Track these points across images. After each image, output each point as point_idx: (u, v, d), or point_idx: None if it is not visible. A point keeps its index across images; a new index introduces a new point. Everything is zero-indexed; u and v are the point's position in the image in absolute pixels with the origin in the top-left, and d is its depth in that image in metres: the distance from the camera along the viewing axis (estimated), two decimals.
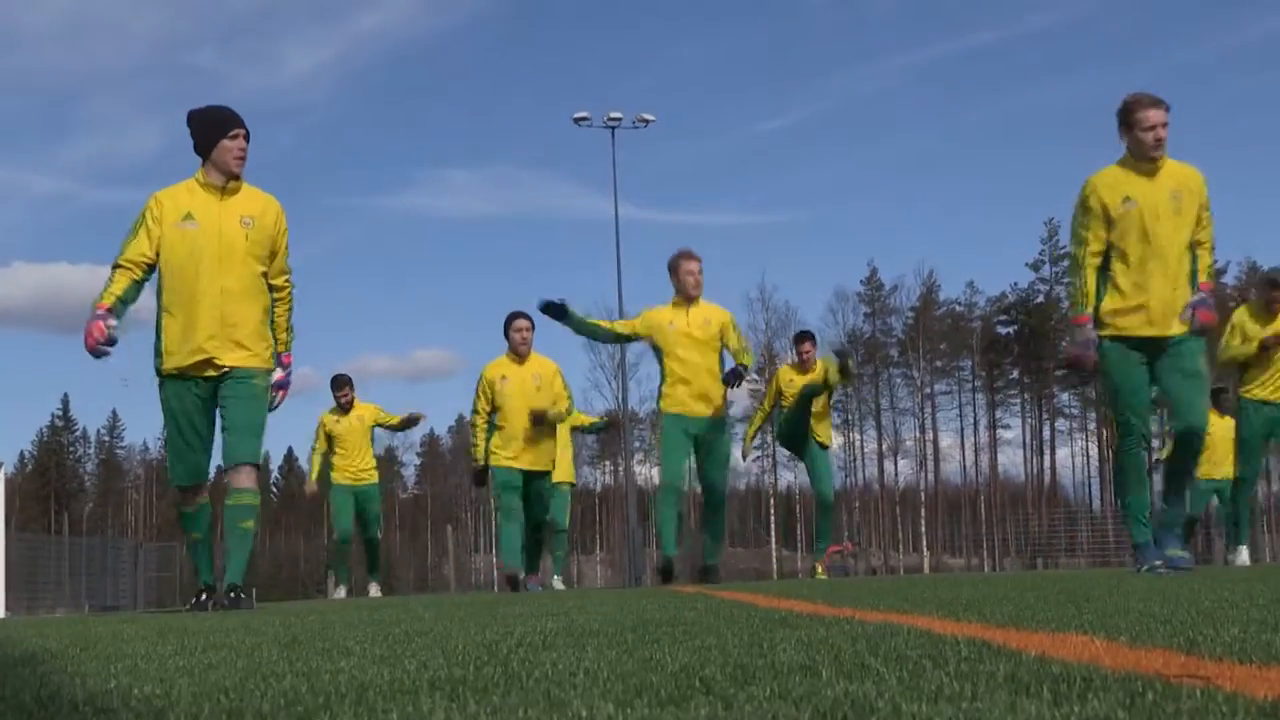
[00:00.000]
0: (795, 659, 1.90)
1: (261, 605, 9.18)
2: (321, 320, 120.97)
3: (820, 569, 12.38)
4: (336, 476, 12.89)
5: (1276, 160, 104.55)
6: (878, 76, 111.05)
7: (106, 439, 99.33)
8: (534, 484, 10.04)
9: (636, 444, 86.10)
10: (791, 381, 11.75)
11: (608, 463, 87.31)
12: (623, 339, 9.99)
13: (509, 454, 9.93)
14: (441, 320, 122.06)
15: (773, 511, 73.86)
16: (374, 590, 13.44)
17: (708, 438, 9.41)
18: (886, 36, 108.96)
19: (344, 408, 12.91)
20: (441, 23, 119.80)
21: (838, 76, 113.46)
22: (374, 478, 13.20)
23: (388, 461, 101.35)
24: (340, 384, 12.91)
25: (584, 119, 38.85)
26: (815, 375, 11.42)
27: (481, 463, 10.12)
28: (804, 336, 12.37)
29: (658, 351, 9.44)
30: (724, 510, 9.96)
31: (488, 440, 10.04)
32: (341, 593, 13.83)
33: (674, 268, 9.47)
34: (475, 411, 10.17)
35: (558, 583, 13.01)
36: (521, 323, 10.15)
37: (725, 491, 9.87)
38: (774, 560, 71.00)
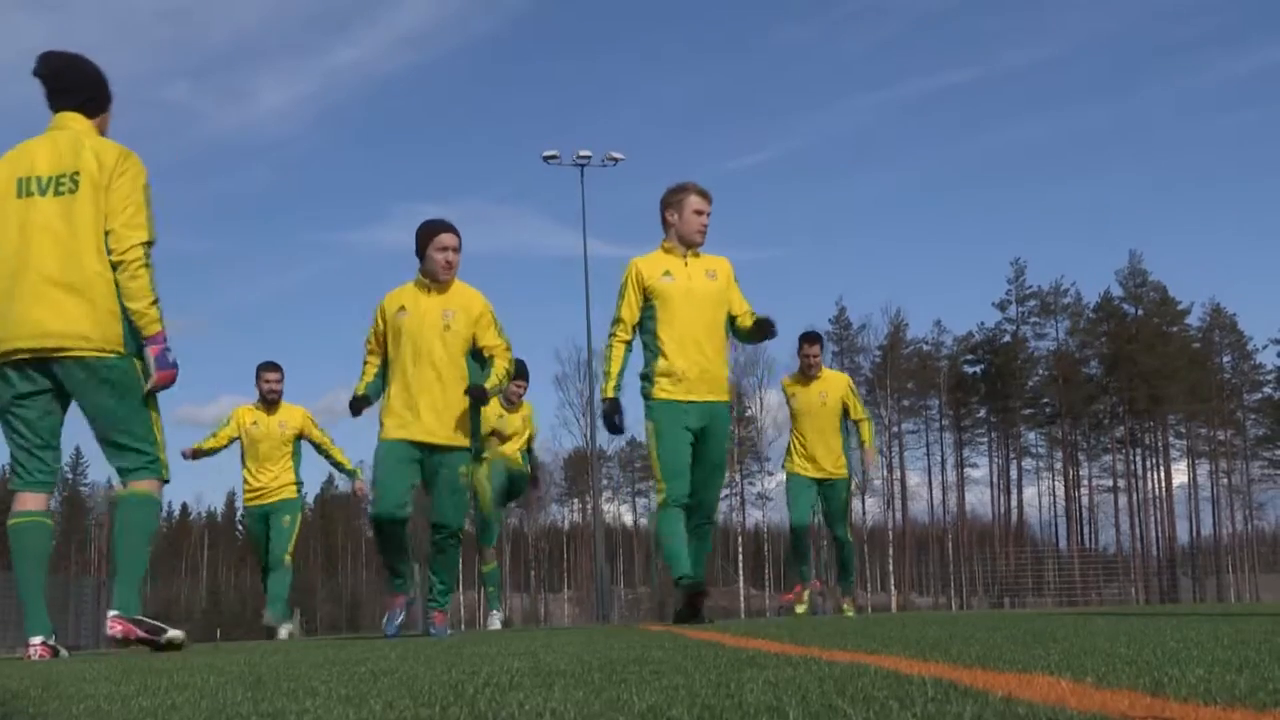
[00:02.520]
0: (762, 700, 1.90)
1: (225, 644, 9.08)
2: (295, 355, 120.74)
3: (847, 606, 11.53)
4: (249, 497, 10.62)
5: (1242, 200, 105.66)
6: (846, 116, 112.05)
7: (69, 476, 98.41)
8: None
9: (605, 481, 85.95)
10: (795, 395, 10.53)
11: (575, 500, 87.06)
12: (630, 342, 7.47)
13: None
14: None
15: (740, 550, 73.74)
16: (284, 631, 10.76)
17: (712, 429, 7.29)
18: (856, 76, 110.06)
19: (269, 402, 10.60)
20: (415, 60, 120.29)
21: (807, 116, 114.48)
22: (293, 494, 10.70)
23: (355, 497, 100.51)
24: (272, 368, 10.67)
25: (553, 157, 39.00)
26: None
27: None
28: (812, 338, 10.60)
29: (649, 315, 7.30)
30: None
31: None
32: (286, 631, 10.75)
33: (676, 204, 7.28)
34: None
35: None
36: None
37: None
38: (741, 599, 70.83)
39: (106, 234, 5.17)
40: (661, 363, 7.21)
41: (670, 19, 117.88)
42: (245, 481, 10.67)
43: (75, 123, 5.35)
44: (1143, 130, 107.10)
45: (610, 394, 7.28)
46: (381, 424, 7.05)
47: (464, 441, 7.12)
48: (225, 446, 10.72)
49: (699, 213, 7.26)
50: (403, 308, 7.10)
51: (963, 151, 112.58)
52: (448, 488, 7.05)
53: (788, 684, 2.18)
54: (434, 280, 7.13)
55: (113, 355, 5.21)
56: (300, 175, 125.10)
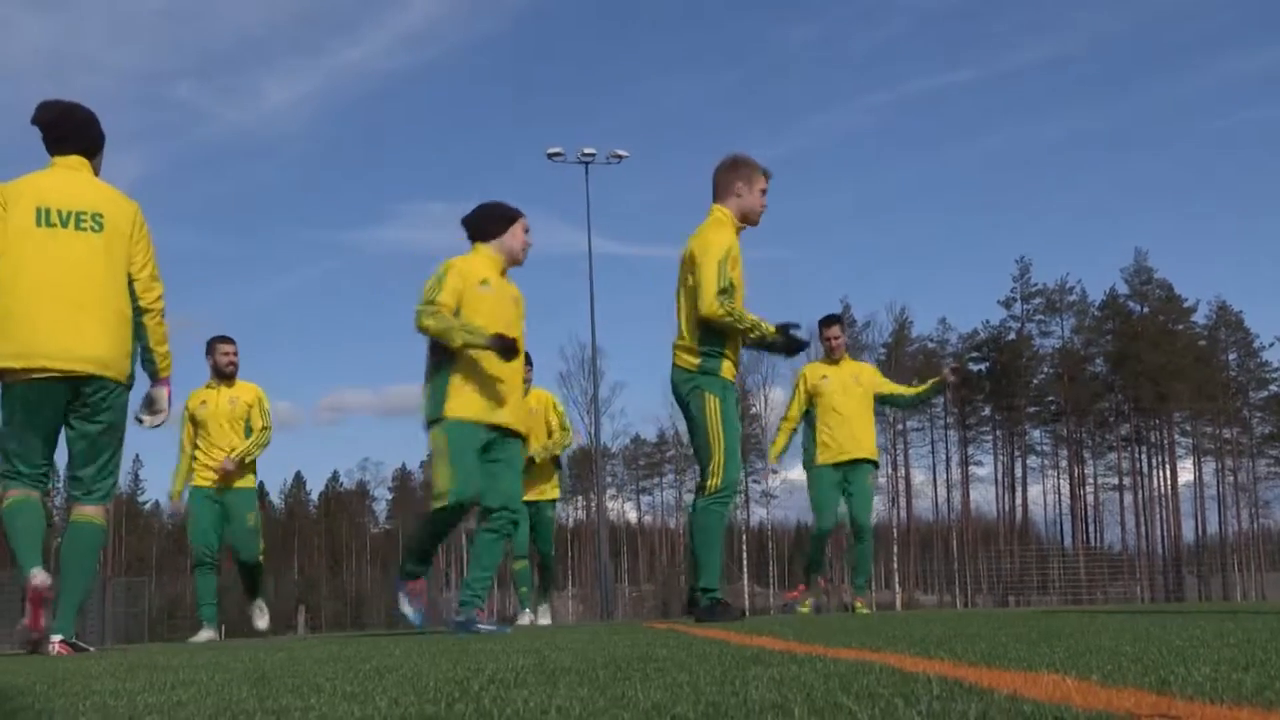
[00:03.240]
0: (767, 697, 1.90)
1: (230, 641, 9.09)
2: (297, 353, 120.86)
3: (861, 604, 10.66)
4: (200, 476, 9.67)
5: (1248, 198, 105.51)
6: (853, 115, 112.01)
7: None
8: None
9: (609, 479, 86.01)
10: (825, 378, 10.12)
11: (580, 498, 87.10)
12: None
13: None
14: (416, 356, 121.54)
15: (744, 547, 73.74)
16: (261, 621, 10.38)
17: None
18: (864, 75, 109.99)
19: (225, 376, 9.73)
20: (419, 58, 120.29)
21: (813, 114, 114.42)
22: (251, 483, 9.96)
23: (359, 494, 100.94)
24: (225, 340, 9.87)
25: (557, 154, 38.98)
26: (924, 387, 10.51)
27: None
28: (831, 320, 10.41)
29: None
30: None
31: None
32: (206, 635, 9.81)
33: (749, 178, 7.06)
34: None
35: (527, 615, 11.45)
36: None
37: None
38: (746, 596, 70.83)
39: (131, 280, 5.66)
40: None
41: (676, 17, 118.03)
42: (196, 459, 9.69)
43: (80, 166, 5.69)
44: (1149, 128, 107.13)
45: (769, 327, 6.75)
46: (451, 402, 6.51)
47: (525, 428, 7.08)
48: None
49: (764, 192, 7.10)
50: (486, 281, 6.69)
51: (968, 150, 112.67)
52: (513, 470, 6.73)
53: (792, 681, 2.18)
54: (514, 262, 6.93)
55: (121, 387, 5.67)
56: (304, 174, 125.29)
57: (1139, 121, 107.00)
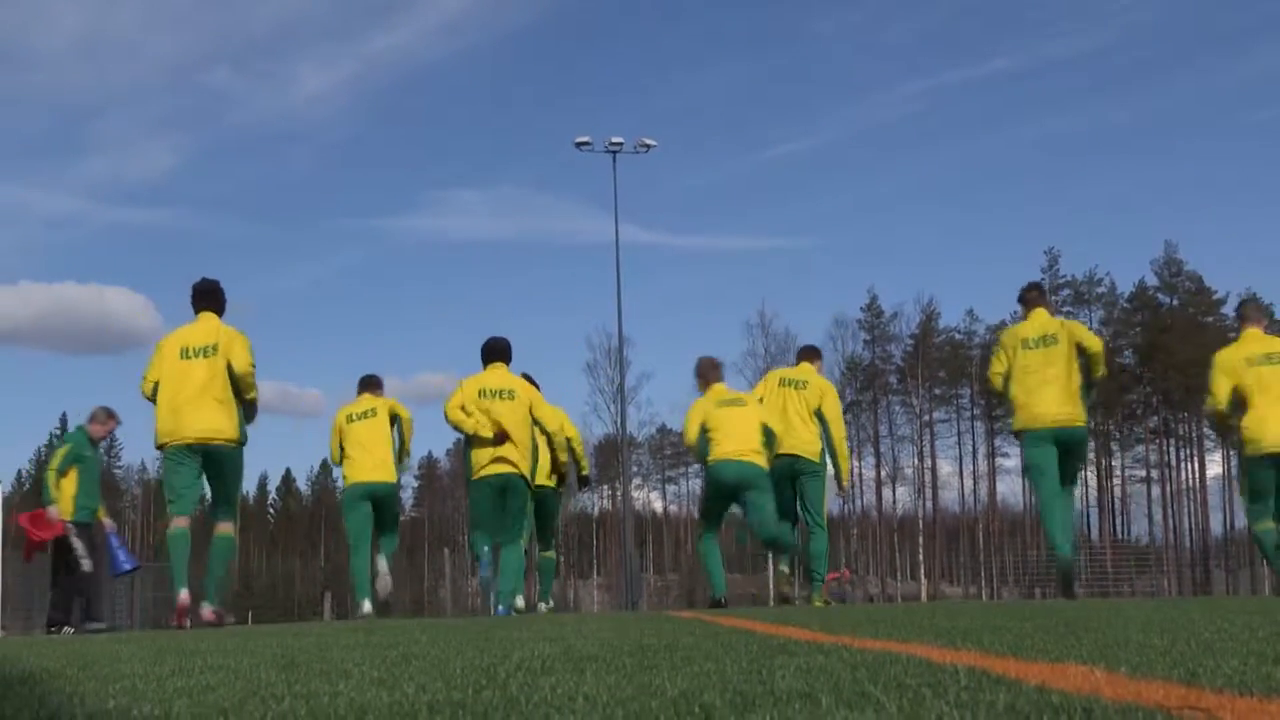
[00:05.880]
0: (795, 686, 1.90)
1: (258, 626, 9.19)
2: (329, 341, 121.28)
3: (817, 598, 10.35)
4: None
5: (1278, 192, 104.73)
6: (882, 106, 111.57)
7: (105, 459, 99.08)
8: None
9: (635, 468, 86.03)
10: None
11: (605, 487, 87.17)
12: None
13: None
14: (444, 343, 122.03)
15: None
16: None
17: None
18: (892, 66, 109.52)
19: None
20: (451, 46, 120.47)
21: (842, 105, 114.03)
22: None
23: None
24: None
25: (585, 143, 38.93)
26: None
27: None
28: (810, 352, 10.57)
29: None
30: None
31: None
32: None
33: None
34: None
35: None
36: None
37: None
38: (770, 586, 70.81)
39: (236, 377, 8.47)
40: None
41: (709, 6, 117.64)
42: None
43: (212, 319, 8.65)
44: (1180, 119, 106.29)
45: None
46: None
47: None
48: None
49: None
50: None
51: (998, 140, 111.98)
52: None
53: (819, 671, 2.18)
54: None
55: (237, 446, 8.55)
56: (336, 161, 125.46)
57: (1170, 113, 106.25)
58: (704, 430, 9.74)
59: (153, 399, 8.55)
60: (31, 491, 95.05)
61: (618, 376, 53.26)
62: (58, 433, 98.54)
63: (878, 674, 2.07)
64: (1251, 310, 9.62)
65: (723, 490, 9.78)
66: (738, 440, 9.60)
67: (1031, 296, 9.71)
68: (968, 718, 1.47)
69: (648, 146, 39.34)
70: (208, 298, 8.77)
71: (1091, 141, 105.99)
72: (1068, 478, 9.23)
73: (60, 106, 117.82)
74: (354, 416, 10.30)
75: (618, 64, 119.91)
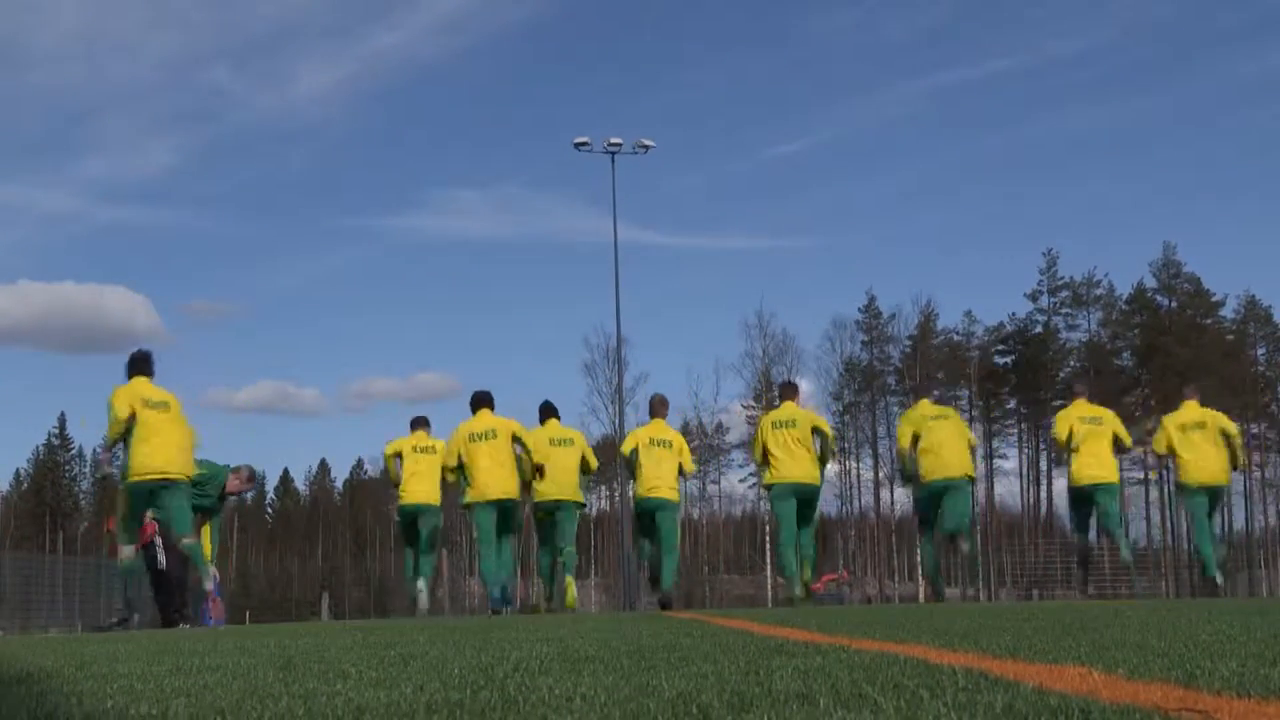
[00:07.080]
0: (792, 687, 1.90)
1: (255, 626, 9.16)
2: (326, 340, 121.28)
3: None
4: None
5: (1278, 194, 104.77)
6: (880, 105, 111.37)
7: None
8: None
9: None
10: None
11: (603, 488, 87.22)
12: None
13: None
14: (443, 344, 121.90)
15: (767, 538, 73.69)
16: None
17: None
18: (891, 66, 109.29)
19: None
20: (451, 45, 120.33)
21: (841, 105, 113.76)
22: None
23: (384, 482, 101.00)
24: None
25: (584, 144, 38.93)
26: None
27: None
28: (788, 389, 12.67)
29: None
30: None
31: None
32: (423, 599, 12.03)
33: None
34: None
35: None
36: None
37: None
38: (768, 587, 70.82)
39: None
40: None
41: (708, 6, 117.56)
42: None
43: (158, 391, 10.36)
44: (1180, 119, 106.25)
45: None
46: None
47: None
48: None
49: None
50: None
51: (997, 140, 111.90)
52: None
53: (817, 672, 2.18)
54: None
55: (185, 482, 10.27)
56: (335, 160, 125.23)
57: (1169, 113, 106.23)
58: (635, 456, 11.94)
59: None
60: (30, 491, 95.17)
61: (615, 377, 53.25)
62: (56, 432, 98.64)
63: (875, 675, 2.07)
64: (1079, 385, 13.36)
65: (643, 517, 11.99)
66: (655, 479, 11.78)
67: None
68: (965, 718, 1.47)
69: (646, 147, 39.36)
70: (145, 366, 10.45)
71: (1091, 142, 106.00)
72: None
73: (59, 106, 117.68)
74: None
75: (617, 64, 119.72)
